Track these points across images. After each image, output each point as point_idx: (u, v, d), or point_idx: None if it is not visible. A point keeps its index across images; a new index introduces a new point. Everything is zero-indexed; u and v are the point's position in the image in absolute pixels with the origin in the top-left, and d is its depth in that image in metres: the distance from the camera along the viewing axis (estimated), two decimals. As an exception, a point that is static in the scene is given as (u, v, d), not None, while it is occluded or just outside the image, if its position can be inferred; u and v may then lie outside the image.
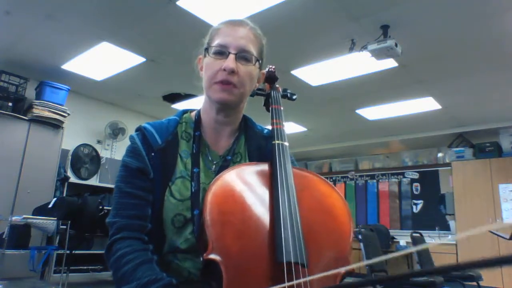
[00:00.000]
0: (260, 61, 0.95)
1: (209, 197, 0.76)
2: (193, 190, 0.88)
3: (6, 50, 4.39)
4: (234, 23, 0.95)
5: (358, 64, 4.14)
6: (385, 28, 3.48)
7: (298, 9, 3.28)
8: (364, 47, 3.56)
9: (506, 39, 3.59)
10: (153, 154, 0.90)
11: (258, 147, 1.00)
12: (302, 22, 3.50)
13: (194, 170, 0.90)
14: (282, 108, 1.02)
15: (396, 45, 3.39)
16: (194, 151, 0.93)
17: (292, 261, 0.69)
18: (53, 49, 4.33)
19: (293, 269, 0.68)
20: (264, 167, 0.87)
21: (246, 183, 0.82)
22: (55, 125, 4.89)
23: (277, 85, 1.11)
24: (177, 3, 3.28)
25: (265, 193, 0.81)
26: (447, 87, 4.75)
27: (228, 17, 1.00)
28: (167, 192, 0.87)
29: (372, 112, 5.75)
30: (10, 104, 4.70)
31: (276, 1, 3.17)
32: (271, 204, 0.78)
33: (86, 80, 5.10)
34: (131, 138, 0.93)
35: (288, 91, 1.15)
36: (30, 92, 4.89)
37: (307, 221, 0.77)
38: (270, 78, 1.09)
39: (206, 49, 0.94)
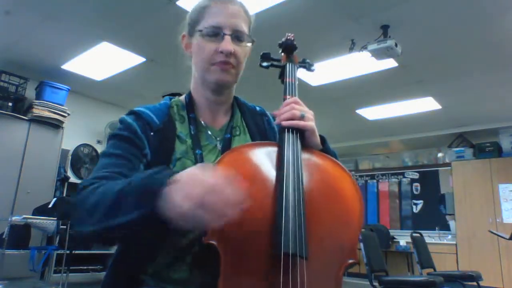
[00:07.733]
0: (253, 40, 0.93)
1: None
2: None
3: (6, 50, 4.39)
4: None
5: (358, 64, 4.14)
6: (385, 28, 3.49)
7: (298, 9, 3.28)
8: (364, 47, 3.56)
9: (506, 39, 3.59)
10: (152, 134, 0.85)
11: (255, 122, 0.99)
12: (302, 22, 3.50)
13: (197, 152, 0.87)
14: (297, 83, 0.96)
15: (396, 45, 3.39)
16: (193, 132, 0.90)
17: (291, 252, 0.66)
18: (53, 49, 4.33)
19: (290, 261, 0.66)
20: (272, 147, 0.81)
21: (250, 164, 0.77)
22: (55, 125, 4.89)
23: (295, 54, 1.02)
24: (177, 3, 3.28)
25: (270, 176, 0.76)
26: (447, 87, 4.75)
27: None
28: None
29: (372, 112, 5.75)
30: (10, 104, 4.70)
31: (276, 1, 3.16)
32: (276, 188, 0.73)
33: (86, 80, 5.10)
34: (122, 119, 0.87)
35: (307, 61, 1.05)
36: (30, 92, 4.90)
37: (313, 206, 0.73)
38: (288, 48, 1.01)
39: (195, 30, 0.90)
